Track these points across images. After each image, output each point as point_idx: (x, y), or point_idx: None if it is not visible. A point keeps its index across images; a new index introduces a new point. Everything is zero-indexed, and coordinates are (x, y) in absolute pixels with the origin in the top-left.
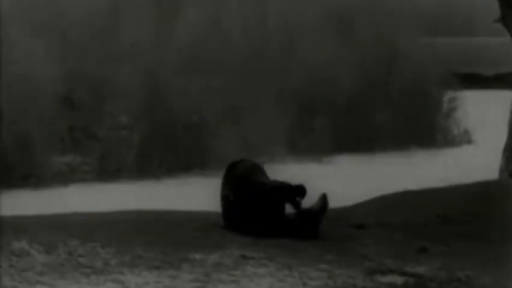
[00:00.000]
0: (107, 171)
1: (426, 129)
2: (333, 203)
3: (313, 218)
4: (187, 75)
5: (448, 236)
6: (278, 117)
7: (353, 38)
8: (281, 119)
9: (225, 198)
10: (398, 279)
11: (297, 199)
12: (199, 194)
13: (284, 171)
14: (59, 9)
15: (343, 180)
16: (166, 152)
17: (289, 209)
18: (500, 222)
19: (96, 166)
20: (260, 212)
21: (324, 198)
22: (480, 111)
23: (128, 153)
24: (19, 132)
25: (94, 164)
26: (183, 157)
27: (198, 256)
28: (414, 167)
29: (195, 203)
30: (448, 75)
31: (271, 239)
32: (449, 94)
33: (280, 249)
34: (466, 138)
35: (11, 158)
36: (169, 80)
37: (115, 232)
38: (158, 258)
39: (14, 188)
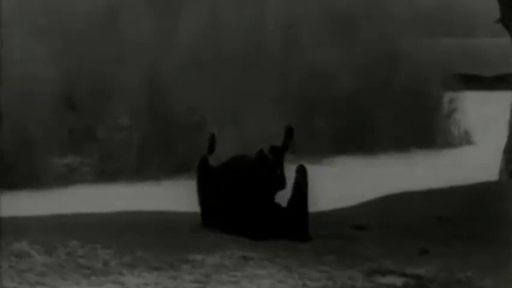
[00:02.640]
0: (107, 173)
1: (426, 130)
2: (334, 204)
3: (298, 189)
4: (187, 76)
5: (448, 237)
6: (278, 118)
7: (353, 38)
8: (281, 119)
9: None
10: (398, 281)
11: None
12: None
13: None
14: (59, 10)
15: (343, 181)
16: (166, 153)
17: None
18: (500, 223)
19: (96, 167)
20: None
21: (301, 169)
22: (480, 112)
23: (128, 154)
24: (19, 133)
25: (94, 165)
26: (183, 158)
27: (198, 257)
28: (414, 168)
29: (195, 204)
30: (448, 76)
31: (263, 231)
32: (449, 95)
33: (280, 250)
34: (466, 139)
35: (11, 159)
36: (169, 80)
37: (114, 233)
38: (158, 259)
39: (14, 189)
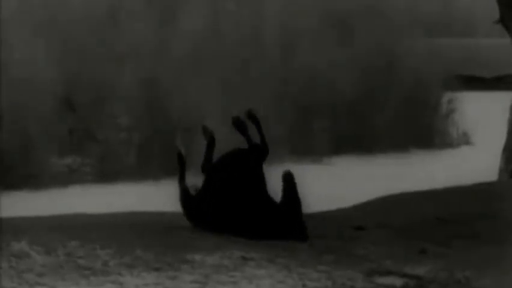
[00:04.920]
0: (107, 173)
1: (425, 130)
2: (333, 204)
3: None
4: (186, 77)
5: (447, 238)
6: (278, 119)
7: (353, 40)
8: (281, 120)
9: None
10: (398, 281)
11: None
12: None
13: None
14: (59, 11)
15: (342, 182)
16: (165, 153)
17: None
18: (499, 223)
19: (96, 168)
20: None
21: (288, 176)
22: (479, 112)
23: (128, 155)
24: (19, 134)
25: (94, 165)
26: None
27: (197, 257)
28: (413, 169)
29: None
30: (447, 77)
31: (259, 229)
32: (448, 96)
33: (280, 251)
34: (464, 140)
35: (11, 159)
36: (169, 82)
37: (114, 233)
38: (157, 260)
39: (13, 189)
